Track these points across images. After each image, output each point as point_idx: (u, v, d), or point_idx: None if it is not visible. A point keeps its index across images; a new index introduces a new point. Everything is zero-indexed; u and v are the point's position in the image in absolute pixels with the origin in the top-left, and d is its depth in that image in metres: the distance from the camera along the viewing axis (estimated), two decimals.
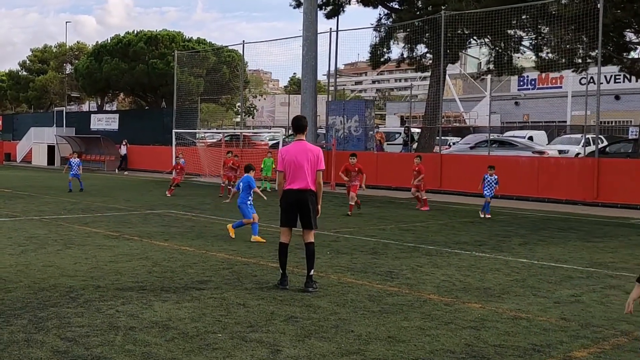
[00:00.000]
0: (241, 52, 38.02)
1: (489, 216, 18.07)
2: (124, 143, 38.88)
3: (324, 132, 32.88)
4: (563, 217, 18.74)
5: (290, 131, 39.16)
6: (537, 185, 23.97)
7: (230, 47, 48.09)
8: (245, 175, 13.26)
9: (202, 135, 40.61)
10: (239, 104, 48.54)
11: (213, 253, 11.43)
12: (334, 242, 13.00)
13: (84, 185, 24.55)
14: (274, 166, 26.20)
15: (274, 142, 40.32)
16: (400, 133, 38.02)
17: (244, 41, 34.91)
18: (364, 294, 8.48)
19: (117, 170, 37.98)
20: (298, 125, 9.07)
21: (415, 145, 33.08)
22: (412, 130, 36.35)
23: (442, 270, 10.26)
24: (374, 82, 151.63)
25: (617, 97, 49.56)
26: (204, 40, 51.73)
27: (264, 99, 69.07)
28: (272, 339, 6.47)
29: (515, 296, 8.55)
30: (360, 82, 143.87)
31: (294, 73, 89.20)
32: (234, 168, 23.59)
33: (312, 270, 8.74)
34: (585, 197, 22.52)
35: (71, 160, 25.04)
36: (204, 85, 43.30)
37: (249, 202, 12.99)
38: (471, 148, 31.38)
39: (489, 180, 18.44)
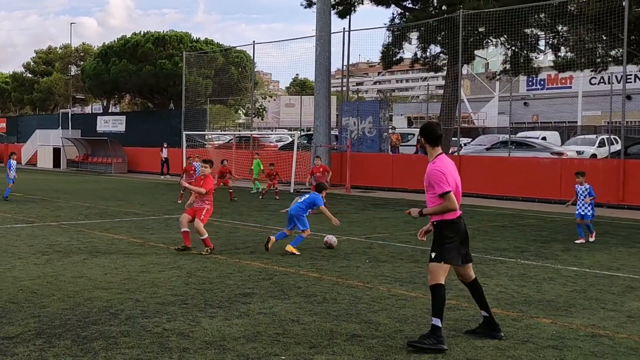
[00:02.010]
0: (249, 53, 37.57)
1: (592, 239, 13.88)
2: (165, 146, 37.42)
3: (336, 133, 32.32)
4: (594, 221, 18.16)
5: (302, 132, 38.68)
6: (560, 187, 23.41)
7: (238, 48, 47.58)
8: (316, 193, 12.56)
9: (211, 137, 40.06)
10: (248, 105, 48.02)
11: (247, 262, 10.87)
12: (369, 249, 12.45)
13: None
14: (261, 167, 25.86)
15: (283, 143, 39.81)
16: (413, 134, 37.44)
17: (254, 41, 34.37)
18: (421, 308, 7.93)
19: (161, 176, 36.61)
20: (439, 135, 6.99)
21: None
22: None
23: (494, 280, 9.71)
24: (375, 82, 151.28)
25: (629, 97, 49.00)
26: (212, 40, 51.16)
27: (274, 99, 68.52)
28: None
29: (583, 309, 8.00)
30: (361, 83, 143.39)
31: (297, 74, 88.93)
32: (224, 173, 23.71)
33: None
34: (610, 200, 21.95)
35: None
36: (212, 86, 42.73)
37: (305, 215, 12.22)
38: (487, 149, 30.84)
39: (580, 193, 14.06)
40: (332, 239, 12.64)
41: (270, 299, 8.30)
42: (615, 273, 10.40)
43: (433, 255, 6.77)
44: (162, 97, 51.16)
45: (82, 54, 65.66)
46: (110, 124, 46.00)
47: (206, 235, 11.60)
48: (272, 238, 11.90)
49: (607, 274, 10.29)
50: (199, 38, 51.81)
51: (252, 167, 26.58)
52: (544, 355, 6.20)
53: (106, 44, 54.27)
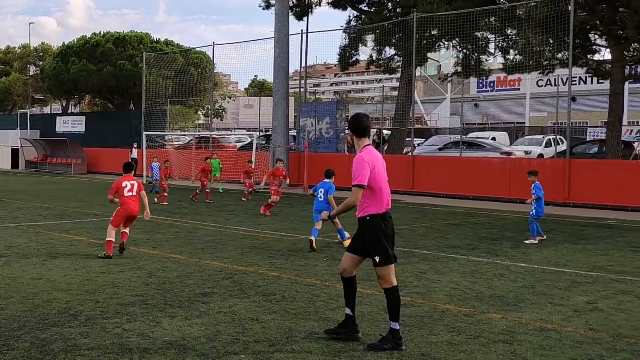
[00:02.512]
0: (209, 54, 37.29)
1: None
2: (134, 146, 36.51)
3: (294, 134, 32.29)
4: (541, 219, 18.46)
5: (261, 133, 38.56)
6: (509, 186, 23.77)
7: (198, 49, 47.19)
8: (325, 181, 12.96)
9: (171, 137, 39.64)
10: (208, 105, 47.64)
11: (207, 261, 10.78)
12: (326, 248, 12.47)
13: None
14: (221, 166, 25.63)
15: (242, 144, 39.58)
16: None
17: (214, 43, 34.14)
18: (378, 305, 7.96)
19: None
20: (365, 127, 6.58)
21: (385, 147, 32.70)
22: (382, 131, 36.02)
23: (447, 277, 9.81)
24: (332, 84, 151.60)
25: (574, 99, 50.01)
26: (172, 41, 50.64)
27: (233, 100, 68.09)
28: None
29: (531, 304, 8.13)
30: (318, 85, 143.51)
31: (255, 75, 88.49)
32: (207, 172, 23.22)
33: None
34: (557, 198, 22.33)
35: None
36: (172, 87, 42.30)
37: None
38: (439, 149, 31.14)
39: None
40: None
41: (230, 298, 8.25)
42: (562, 269, 10.59)
43: (378, 259, 6.36)
44: (122, 98, 50.46)
45: (41, 54, 64.33)
46: (70, 124, 45.20)
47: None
48: (313, 239, 12.15)
49: (554, 270, 10.48)
50: (159, 39, 51.26)
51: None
52: (495, 350, 6.28)
53: (66, 43, 53.25)
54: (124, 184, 11.29)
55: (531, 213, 13.76)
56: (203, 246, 12.38)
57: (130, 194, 11.28)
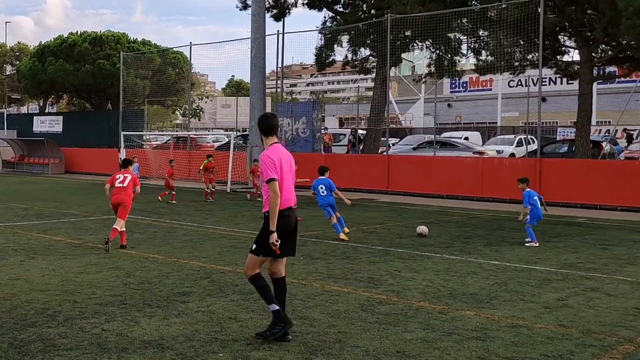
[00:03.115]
0: (186, 54, 37.09)
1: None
2: (123, 147, 36.06)
3: None
4: (512, 217, 18.60)
5: (238, 133, 38.41)
6: (482, 185, 23.95)
7: (175, 49, 46.91)
8: (322, 178, 14.00)
9: (149, 137, 39.35)
10: (185, 105, 47.37)
11: (185, 261, 10.73)
12: (303, 247, 12.44)
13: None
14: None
15: (219, 143, 39.41)
16: (345, 135, 37.67)
17: (191, 43, 33.94)
18: (354, 303, 7.99)
19: None
20: (272, 126, 6.76)
21: (361, 147, 32.78)
22: (357, 131, 36.11)
23: (421, 275, 9.86)
24: (308, 84, 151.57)
25: (544, 99, 50.49)
26: (149, 41, 50.28)
27: (210, 100, 67.74)
28: (277, 358, 5.93)
29: (504, 301, 8.20)
30: (295, 85, 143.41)
31: (233, 75, 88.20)
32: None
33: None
34: None
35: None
36: (149, 87, 42.00)
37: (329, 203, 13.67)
38: (414, 149, 31.28)
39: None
40: (424, 228, 14.20)
41: (208, 297, 8.22)
42: (533, 266, 10.70)
43: (254, 247, 6.56)
44: (100, 98, 50.00)
45: (17, 54, 63.52)
46: (47, 124, 44.69)
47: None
48: (341, 235, 13.43)
49: (525, 267, 10.58)
50: (137, 39, 50.84)
51: (202, 168, 25.88)
52: (469, 346, 6.33)
53: (43, 43, 52.62)
54: (117, 177, 12.09)
55: (527, 220, 13.30)
56: (181, 246, 12.32)
57: (120, 185, 11.96)
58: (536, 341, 6.52)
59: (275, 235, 6.32)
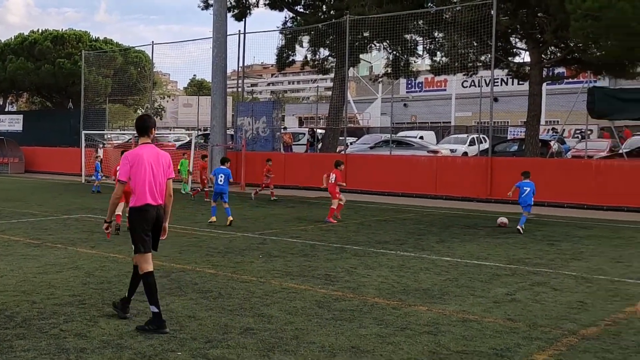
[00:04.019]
0: (148, 53, 36.58)
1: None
2: (100, 146, 35.27)
3: (232, 133, 32.06)
4: (464, 214, 18.92)
5: (199, 132, 38.10)
6: (436, 183, 24.21)
7: (137, 48, 46.28)
8: (225, 167, 15.58)
9: (110, 136, 38.79)
10: (147, 104, 46.79)
11: None
12: (262, 245, 12.45)
13: None
14: (188, 168, 25.28)
15: (180, 143, 39.06)
16: (304, 134, 37.68)
17: (153, 42, 33.54)
18: (310, 300, 8.01)
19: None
20: (144, 127, 7.00)
21: (320, 146, 32.83)
22: (316, 130, 36.17)
23: (376, 271, 9.94)
24: (268, 84, 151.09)
25: (496, 100, 51.21)
26: (111, 40, 49.47)
27: (172, 100, 67.02)
28: (235, 356, 5.90)
29: (455, 297, 8.32)
30: (255, 85, 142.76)
31: (194, 75, 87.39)
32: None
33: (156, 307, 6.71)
34: (480, 194, 22.90)
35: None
36: (111, 86, 41.36)
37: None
38: (371, 148, 31.45)
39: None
40: (504, 219, 15.80)
41: (167, 296, 8.15)
42: (483, 262, 10.86)
43: (133, 248, 6.93)
44: (61, 96, 49.02)
45: None
46: (7, 123, 43.67)
47: None
48: (214, 217, 15.32)
49: (476, 263, 10.74)
50: (99, 37, 49.98)
51: (180, 168, 25.68)
52: (421, 341, 6.40)
53: (3, 41, 51.37)
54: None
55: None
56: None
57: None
58: (485, 335, 6.63)
59: (105, 224, 7.08)
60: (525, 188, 15.09)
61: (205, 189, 22.07)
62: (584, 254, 11.84)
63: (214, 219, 15.46)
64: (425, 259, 11.13)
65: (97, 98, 39.58)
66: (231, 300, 7.95)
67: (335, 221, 16.12)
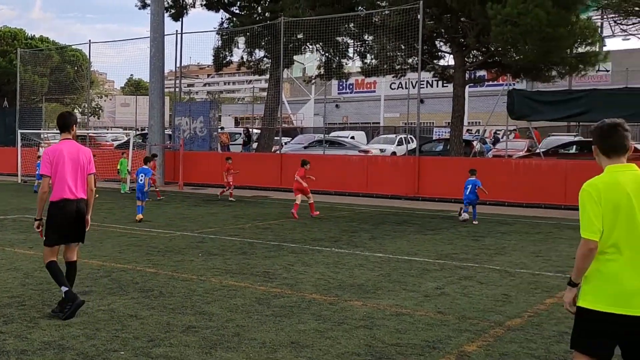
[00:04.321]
0: (85, 52, 35.55)
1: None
2: (41, 145, 33.70)
3: (170, 133, 31.52)
4: (394, 212, 19.15)
5: (137, 131, 37.29)
6: (367, 181, 24.42)
7: (74, 47, 44.89)
8: (146, 167, 16.27)
9: (47, 135, 37.52)
10: (84, 104, 45.50)
11: (85, 260, 10.29)
12: (201, 243, 12.30)
13: None
14: (128, 168, 24.72)
15: (118, 142, 38.17)
16: (240, 134, 37.43)
17: (90, 40, 32.57)
18: (250, 297, 7.96)
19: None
20: (65, 124, 7.17)
21: (255, 145, 32.66)
22: (251, 130, 35.98)
23: (313, 268, 9.96)
24: (205, 84, 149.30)
25: (422, 101, 52.06)
26: (47, 38, 47.84)
27: (110, 99, 65.36)
28: (178, 354, 5.81)
29: (388, 291, 8.42)
30: (192, 85, 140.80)
31: (131, 74, 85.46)
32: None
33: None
34: (408, 192, 23.22)
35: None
36: (48, 85, 39.99)
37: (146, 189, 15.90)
38: (305, 147, 31.50)
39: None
40: (466, 215, 16.24)
41: (108, 295, 7.96)
42: (413, 258, 11.03)
43: (44, 239, 7.09)
44: None
45: None
46: None
47: None
48: (140, 216, 15.28)
49: (406, 259, 10.90)
50: (34, 35, 48.31)
51: (119, 167, 24.99)
52: (357, 335, 6.45)
53: None
54: None
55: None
56: (80, 245, 11.79)
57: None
58: (418, 328, 6.73)
59: (37, 222, 7.13)
60: (468, 185, 16.16)
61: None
62: (506, 249, 12.18)
63: (140, 216, 15.49)
64: (358, 255, 11.23)
65: (33, 97, 38.20)
66: (172, 299, 7.82)
67: (317, 212, 17.12)
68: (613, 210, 3.78)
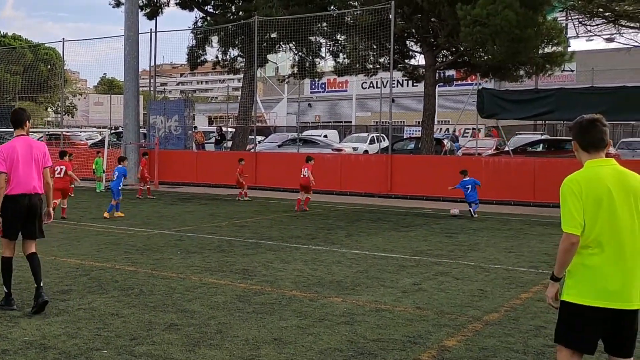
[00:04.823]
0: (58, 50, 34.97)
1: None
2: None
3: (145, 132, 31.16)
4: (368, 209, 19.17)
5: (112, 130, 36.78)
6: (340, 179, 24.41)
7: (47, 45, 44.20)
8: (121, 166, 16.60)
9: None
10: (58, 102, 44.75)
11: (63, 259, 10.16)
12: (180, 242, 12.17)
13: None
14: (103, 167, 24.35)
15: (93, 141, 37.63)
16: (214, 132, 37.17)
17: (64, 39, 32.03)
18: (231, 295, 7.89)
19: None
20: (18, 120, 7.21)
21: (229, 144, 32.45)
22: (225, 129, 35.76)
23: (291, 265, 9.92)
24: (178, 83, 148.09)
25: (394, 100, 52.26)
26: (20, 37, 47.00)
27: (83, 98, 64.40)
28: (161, 352, 5.74)
29: (366, 288, 8.42)
30: (165, 84, 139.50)
31: (105, 73, 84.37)
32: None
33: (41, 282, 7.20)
34: (381, 190, 23.26)
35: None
36: (21, 83, 39.26)
37: (120, 187, 15.93)
38: (279, 146, 31.40)
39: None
40: (455, 210, 16.94)
41: (88, 294, 7.83)
42: (390, 254, 11.05)
43: (2, 233, 7.12)
44: None
45: None
46: None
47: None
48: (108, 213, 15.37)
49: (383, 255, 10.92)
50: (7, 33, 47.42)
51: (94, 167, 24.58)
52: (339, 331, 6.44)
53: None
54: (56, 168, 14.43)
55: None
56: (58, 244, 11.63)
57: (58, 175, 14.68)
58: (398, 323, 6.74)
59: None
60: (467, 185, 16.87)
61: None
62: (479, 245, 12.26)
63: (120, 214, 15.73)
64: (336, 252, 11.21)
65: (5, 95, 37.51)
66: (153, 297, 7.72)
67: (308, 209, 17.80)
68: (594, 204, 3.81)
